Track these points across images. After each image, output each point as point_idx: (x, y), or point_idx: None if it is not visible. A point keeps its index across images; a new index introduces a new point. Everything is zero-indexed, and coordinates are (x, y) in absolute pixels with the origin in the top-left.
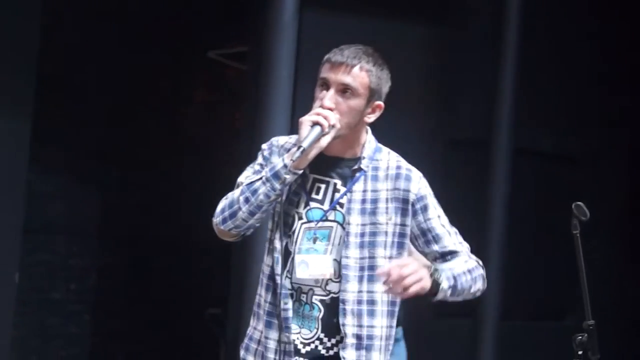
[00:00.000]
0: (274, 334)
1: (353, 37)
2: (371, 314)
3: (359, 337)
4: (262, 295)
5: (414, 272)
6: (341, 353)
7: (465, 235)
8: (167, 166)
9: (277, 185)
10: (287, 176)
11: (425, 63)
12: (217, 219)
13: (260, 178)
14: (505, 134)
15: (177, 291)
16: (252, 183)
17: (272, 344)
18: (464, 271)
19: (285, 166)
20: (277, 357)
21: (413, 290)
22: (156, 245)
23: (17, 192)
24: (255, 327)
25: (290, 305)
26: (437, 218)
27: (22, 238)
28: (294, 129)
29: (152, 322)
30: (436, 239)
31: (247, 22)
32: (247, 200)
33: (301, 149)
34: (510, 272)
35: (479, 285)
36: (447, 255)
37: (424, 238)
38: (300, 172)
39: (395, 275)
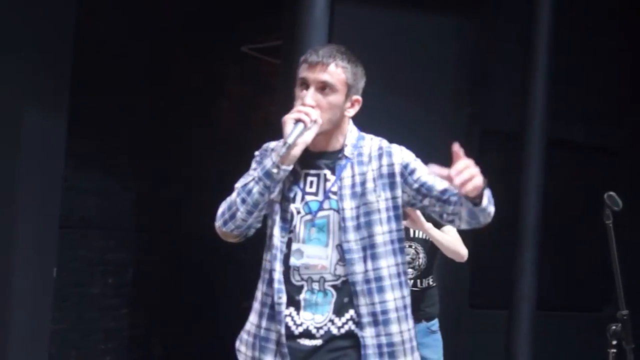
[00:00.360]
0: (267, 324)
1: (385, 30)
2: (380, 290)
3: (374, 314)
4: (260, 289)
5: (474, 169)
6: (359, 333)
7: (500, 226)
8: (202, 160)
9: (269, 182)
10: (275, 170)
11: (459, 55)
12: (218, 222)
13: (254, 178)
14: (538, 125)
15: (212, 284)
16: (246, 184)
17: (269, 334)
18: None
19: (274, 163)
20: (276, 347)
21: (478, 183)
22: (192, 238)
23: (54, 187)
24: (251, 321)
25: (284, 299)
26: (425, 174)
27: (59, 233)
28: None
29: (188, 315)
30: (430, 188)
31: (280, 16)
32: (243, 200)
33: (286, 144)
34: (545, 263)
35: (493, 209)
36: (446, 193)
37: (420, 195)
38: (290, 167)
39: (467, 174)
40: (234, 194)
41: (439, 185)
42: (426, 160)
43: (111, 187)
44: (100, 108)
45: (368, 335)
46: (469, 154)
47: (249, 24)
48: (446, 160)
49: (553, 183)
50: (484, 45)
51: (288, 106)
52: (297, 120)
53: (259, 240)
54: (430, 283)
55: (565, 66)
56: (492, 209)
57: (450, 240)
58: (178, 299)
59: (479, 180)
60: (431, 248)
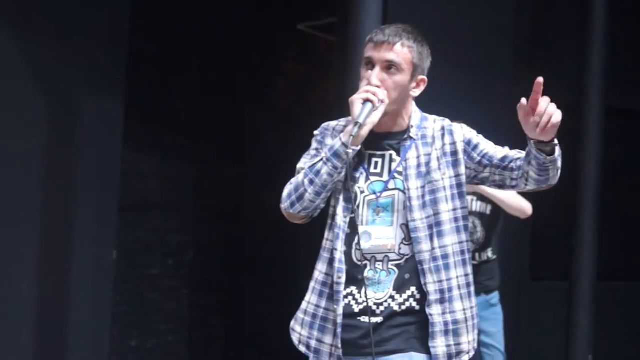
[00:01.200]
0: (327, 304)
1: (441, 4)
2: (447, 267)
3: (441, 292)
4: (318, 269)
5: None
6: (427, 310)
7: (560, 197)
8: (260, 139)
9: (339, 163)
10: (349, 151)
11: (516, 27)
12: (285, 204)
13: (321, 159)
14: (596, 95)
15: (273, 264)
16: (314, 165)
17: (329, 314)
18: None
19: (343, 144)
20: (335, 327)
21: (558, 118)
22: (251, 219)
23: (113, 170)
24: (308, 301)
25: (343, 279)
26: (486, 144)
27: (118, 215)
28: None
29: (249, 295)
30: (491, 158)
31: None
32: (311, 181)
33: (357, 124)
34: (604, 233)
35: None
36: (507, 159)
37: (481, 167)
38: (358, 148)
39: (551, 109)
40: (300, 175)
41: (499, 153)
42: (485, 134)
43: (169, 168)
44: (156, 90)
45: (435, 312)
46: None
47: (304, 1)
48: (505, 133)
49: (612, 152)
50: (541, 16)
51: (344, 84)
52: (365, 100)
53: (321, 219)
54: (490, 256)
55: (622, 35)
56: (560, 165)
57: (511, 196)
58: (238, 280)
59: (558, 116)
60: (489, 222)
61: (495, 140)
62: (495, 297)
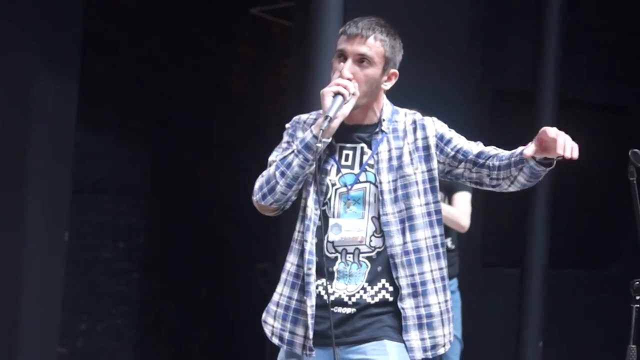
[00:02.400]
0: (299, 296)
1: None
2: (419, 261)
3: (413, 286)
4: (290, 260)
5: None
6: (400, 304)
7: None
8: (214, 123)
9: (309, 156)
10: (319, 145)
11: (472, 14)
12: (256, 196)
13: (293, 151)
14: (551, 84)
15: (225, 248)
16: (285, 157)
17: (301, 306)
18: None
19: (314, 136)
20: (311, 319)
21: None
22: (205, 202)
23: (66, 152)
24: (280, 293)
25: (313, 270)
26: (459, 139)
27: (71, 198)
28: None
29: (200, 278)
30: (466, 153)
31: None
32: (283, 174)
33: (328, 118)
34: (556, 221)
35: None
36: (482, 155)
37: (456, 161)
38: (329, 140)
39: (569, 143)
40: (272, 168)
41: (475, 149)
42: (440, 119)
43: (123, 151)
44: (111, 72)
45: (408, 306)
46: (481, 113)
47: None
48: (458, 121)
49: None
50: (496, 4)
51: (301, 69)
52: (336, 93)
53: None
54: (449, 246)
55: (577, 25)
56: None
57: (450, 211)
58: (189, 263)
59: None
60: None
61: (450, 124)
62: (454, 283)
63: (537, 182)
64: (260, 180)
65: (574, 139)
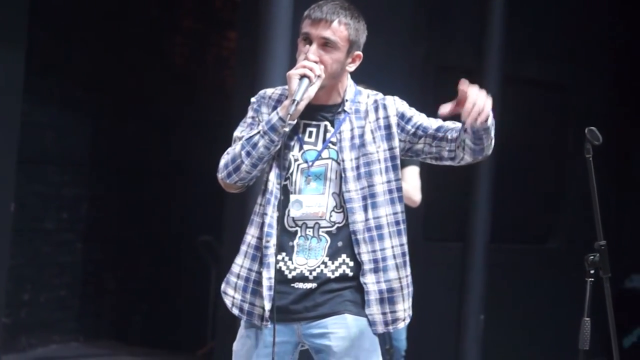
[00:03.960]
0: (260, 267)
1: None
2: (380, 237)
3: (375, 262)
4: (250, 233)
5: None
6: (361, 279)
7: None
8: (157, 95)
9: (275, 137)
10: (285, 129)
11: None
12: (222, 174)
13: (259, 132)
14: (494, 61)
15: (169, 219)
16: (251, 137)
17: (261, 278)
18: None
19: (281, 119)
20: (268, 291)
21: (488, 109)
22: (148, 173)
23: (12, 122)
24: (241, 264)
25: (271, 243)
26: (419, 116)
27: (16, 168)
28: (292, 60)
29: (144, 250)
30: (425, 128)
31: None
32: (248, 153)
33: (295, 102)
34: (498, 197)
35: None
36: (441, 129)
37: (416, 138)
38: (294, 122)
39: (476, 108)
40: (237, 147)
41: (434, 123)
42: (385, 94)
43: (68, 122)
44: (57, 43)
45: (369, 281)
46: (426, 89)
47: None
48: (403, 94)
49: (507, 119)
50: None
51: (247, 42)
52: (302, 76)
53: (213, 175)
54: None
55: (519, 2)
56: (493, 134)
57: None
58: (133, 234)
59: (489, 105)
60: None
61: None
62: None
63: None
64: (225, 158)
65: (515, 114)
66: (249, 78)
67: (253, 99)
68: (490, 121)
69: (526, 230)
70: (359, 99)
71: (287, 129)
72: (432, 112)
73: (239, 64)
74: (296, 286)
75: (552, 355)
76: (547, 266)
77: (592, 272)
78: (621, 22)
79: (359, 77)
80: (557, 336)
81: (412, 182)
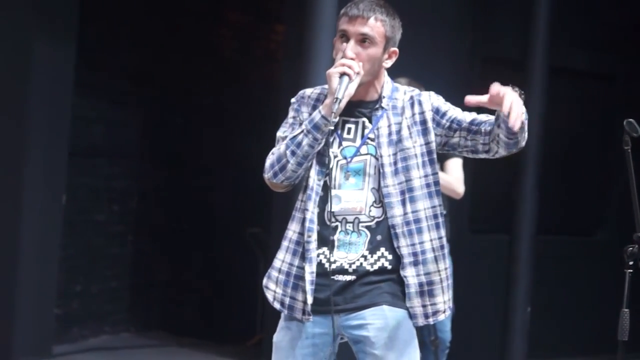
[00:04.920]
0: (300, 262)
1: None
2: (419, 231)
3: (414, 255)
4: (292, 228)
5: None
6: (402, 272)
7: None
8: (204, 89)
9: (319, 135)
10: (330, 126)
11: None
12: (268, 174)
13: (302, 131)
14: (540, 53)
15: (218, 211)
16: (295, 137)
17: (302, 273)
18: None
19: (323, 117)
20: (310, 285)
21: (521, 109)
22: (197, 166)
23: (63, 116)
24: (282, 259)
25: (313, 238)
26: (454, 110)
27: (67, 161)
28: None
29: (193, 241)
30: (460, 122)
31: None
32: (293, 153)
33: (338, 100)
34: (545, 188)
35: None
36: (475, 122)
37: (451, 131)
38: (337, 119)
39: (516, 104)
40: (282, 146)
41: (468, 117)
42: (430, 88)
43: (117, 115)
44: (106, 38)
45: (409, 274)
46: (471, 81)
47: None
48: (448, 87)
49: (554, 110)
50: None
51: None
52: (342, 74)
53: (261, 167)
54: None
55: None
56: (527, 127)
57: (445, 178)
58: (182, 226)
59: (520, 105)
60: None
61: (438, 92)
62: (447, 246)
63: (525, 148)
64: (271, 159)
65: (562, 106)
66: (295, 71)
67: (293, 100)
68: (524, 116)
69: (574, 222)
70: (396, 95)
71: (331, 127)
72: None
73: (285, 57)
74: (336, 278)
75: (598, 347)
76: (595, 258)
77: (631, 263)
78: None
79: (404, 70)
80: (604, 328)
81: (455, 173)
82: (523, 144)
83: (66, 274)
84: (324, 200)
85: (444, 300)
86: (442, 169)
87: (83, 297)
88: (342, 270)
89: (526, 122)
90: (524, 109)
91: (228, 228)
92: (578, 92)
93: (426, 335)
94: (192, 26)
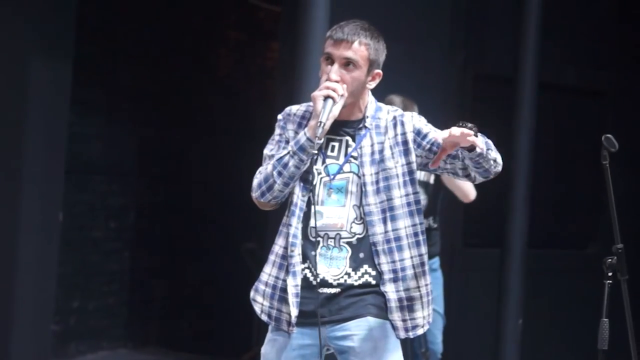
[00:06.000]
0: (286, 276)
1: None
2: (400, 249)
3: (394, 272)
4: (278, 243)
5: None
6: (382, 288)
7: None
8: (202, 106)
9: (304, 157)
10: (314, 151)
11: (453, 1)
12: (255, 193)
13: (289, 152)
14: (530, 69)
15: (213, 227)
16: (281, 158)
17: (286, 285)
18: (486, 139)
19: (309, 139)
20: (294, 299)
21: (471, 139)
22: (192, 182)
23: (60, 133)
24: (269, 273)
25: (296, 252)
26: (434, 133)
27: (64, 178)
28: None
29: (189, 257)
30: (440, 145)
31: None
32: (280, 173)
33: (322, 124)
34: (536, 203)
35: (499, 156)
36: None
37: (432, 154)
38: (322, 140)
39: (458, 133)
40: (269, 167)
41: None
42: (420, 105)
43: (114, 133)
44: (103, 55)
45: (389, 290)
46: (463, 98)
47: None
48: (440, 104)
49: (544, 125)
50: None
51: (288, 53)
52: (326, 97)
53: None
54: (432, 224)
55: (555, 10)
56: (495, 156)
57: (462, 182)
58: (179, 242)
59: (463, 135)
60: (432, 191)
61: (430, 109)
62: (436, 262)
63: (516, 163)
64: (258, 178)
65: (552, 121)
66: (289, 88)
67: (280, 117)
68: (479, 149)
69: (565, 235)
70: (379, 115)
71: (315, 150)
72: (468, 121)
73: (280, 74)
74: (321, 291)
75: (589, 359)
76: (586, 271)
77: (610, 274)
78: None
79: (397, 88)
80: (595, 341)
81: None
82: (497, 170)
83: (63, 290)
84: (308, 216)
85: (423, 316)
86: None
87: (80, 313)
88: (327, 284)
89: (489, 152)
90: (464, 138)
91: (223, 243)
92: (568, 108)
93: (417, 347)
94: (188, 44)
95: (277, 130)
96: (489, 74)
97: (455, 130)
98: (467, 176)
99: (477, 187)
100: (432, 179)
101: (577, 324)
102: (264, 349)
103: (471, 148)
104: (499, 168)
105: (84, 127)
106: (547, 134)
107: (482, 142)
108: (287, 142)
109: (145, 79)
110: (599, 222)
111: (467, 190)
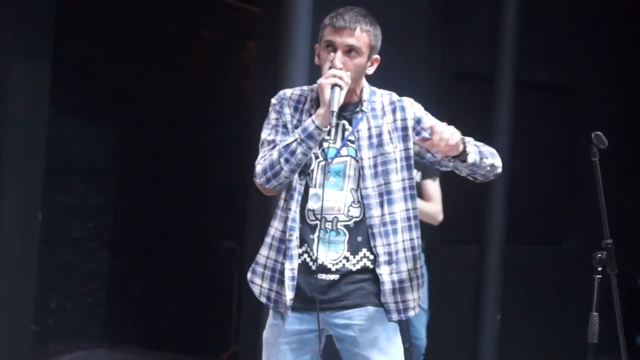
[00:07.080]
0: (285, 260)
1: None
2: (394, 232)
3: (389, 254)
4: (274, 226)
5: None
6: (377, 270)
7: None
8: (180, 106)
9: (312, 144)
10: (317, 132)
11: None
12: (260, 180)
13: (296, 140)
14: (507, 67)
15: (192, 226)
16: (288, 145)
17: (285, 269)
18: (481, 144)
19: (318, 127)
20: (292, 282)
21: (454, 141)
22: (170, 182)
23: (39, 134)
24: (266, 256)
25: (294, 236)
26: (431, 120)
27: (43, 179)
28: (313, 69)
29: (168, 256)
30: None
31: None
32: (287, 160)
33: (334, 113)
34: (513, 199)
35: (498, 160)
36: None
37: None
38: (328, 128)
39: (446, 133)
40: (275, 154)
41: None
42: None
43: (92, 133)
44: (82, 57)
45: (384, 272)
46: (441, 96)
47: None
48: (419, 102)
49: (522, 123)
50: None
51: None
52: (334, 85)
53: (239, 184)
54: None
55: (531, 8)
56: (490, 162)
57: (423, 209)
58: (157, 241)
59: (454, 137)
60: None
61: None
62: (422, 256)
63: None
64: (262, 164)
65: (529, 119)
66: (270, 87)
67: (274, 100)
68: (473, 159)
69: (542, 231)
70: (374, 98)
71: (323, 135)
72: (445, 119)
73: (259, 74)
74: (320, 277)
75: (567, 354)
76: (562, 267)
77: (599, 269)
78: (632, 25)
79: (374, 85)
80: (572, 336)
81: (434, 194)
82: (496, 170)
83: (42, 290)
84: (306, 199)
85: (413, 298)
86: (419, 192)
87: (58, 313)
88: (326, 270)
89: (481, 160)
90: (454, 142)
91: (202, 243)
92: (544, 105)
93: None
94: (166, 44)
95: (273, 115)
96: (466, 72)
97: (448, 128)
98: (468, 175)
99: (455, 184)
100: (418, 177)
101: (554, 317)
102: (265, 333)
103: (463, 158)
104: (498, 171)
105: (63, 127)
106: (524, 131)
107: (475, 154)
108: (285, 126)
109: (124, 79)
110: (575, 218)
111: (433, 214)
